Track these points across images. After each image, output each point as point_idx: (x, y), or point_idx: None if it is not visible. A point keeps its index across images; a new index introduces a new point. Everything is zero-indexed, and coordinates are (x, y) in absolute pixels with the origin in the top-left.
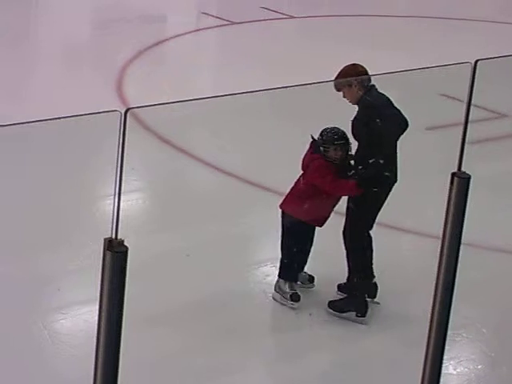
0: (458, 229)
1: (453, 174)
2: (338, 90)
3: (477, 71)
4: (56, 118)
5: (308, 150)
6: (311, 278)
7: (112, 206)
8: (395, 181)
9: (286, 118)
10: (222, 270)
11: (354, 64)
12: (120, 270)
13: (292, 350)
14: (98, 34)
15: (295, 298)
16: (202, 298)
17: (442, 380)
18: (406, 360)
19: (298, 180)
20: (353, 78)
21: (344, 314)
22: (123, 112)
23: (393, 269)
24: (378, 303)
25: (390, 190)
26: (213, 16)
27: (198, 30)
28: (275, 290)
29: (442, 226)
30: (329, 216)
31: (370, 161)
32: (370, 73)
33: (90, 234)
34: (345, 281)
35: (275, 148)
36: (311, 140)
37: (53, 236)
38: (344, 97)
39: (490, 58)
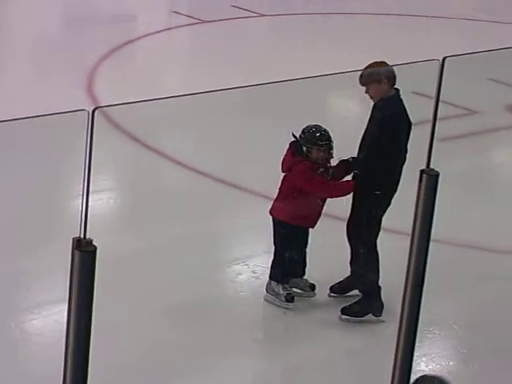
0: (427, 226)
1: (421, 172)
2: (364, 85)
3: (446, 68)
4: (24, 118)
5: (287, 151)
6: (312, 286)
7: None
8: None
9: (258, 116)
10: (193, 268)
11: (382, 62)
12: (88, 269)
13: (265, 348)
14: (68, 34)
15: (290, 298)
16: (172, 298)
17: (413, 377)
18: (379, 357)
19: (282, 184)
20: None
21: (363, 318)
22: (91, 111)
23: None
24: (384, 321)
25: (395, 192)
26: (183, 15)
27: (168, 29)
28: (267, 291)
29: (412, 223)
30: (319, 216)
31: (382, 164)
32: (339, 70)
33: (59, 234)
34: (337, 281)
35: (246, 146)
36: (291, 140)
37: (22, 236)
38: (366, 92)
39: (458, 55)
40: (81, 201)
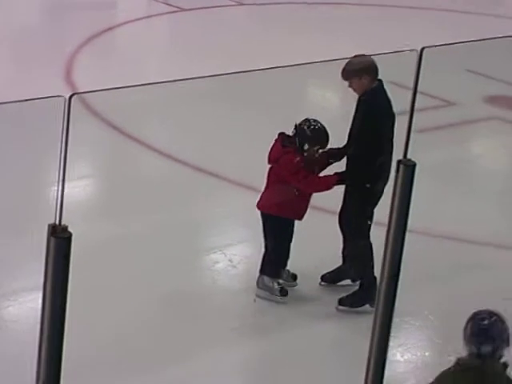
0: (404, 216)
1: (398, 162)
2: (346, 80)
3: (424, 59)
4: (2, 103)
5: (276, 142)
6: (294, 276)
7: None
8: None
9: (236, 104)
10: (170, 257)
11: (363, 55)
12: (64, 255)
13: (241, 337)
14: (47, 20)
15: (284, 292)
16: (148, 286)
17: (389, 367)
18: (356, 347)
19: (269, 176)
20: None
21: (359, 309)
22: (67, 97)
23: (331, 253)
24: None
25: (387, 181)
26: (163, 3)
27: (148, 17)
28: (258, 286)
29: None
30: (307, 208)
31: (371, 158)
32: (319, 59)
33: (36, 221)
34: (329, 271)
35: (224, 135)
36: (280, 131)
37: None
38: (350, 86)
39: (437, 46)
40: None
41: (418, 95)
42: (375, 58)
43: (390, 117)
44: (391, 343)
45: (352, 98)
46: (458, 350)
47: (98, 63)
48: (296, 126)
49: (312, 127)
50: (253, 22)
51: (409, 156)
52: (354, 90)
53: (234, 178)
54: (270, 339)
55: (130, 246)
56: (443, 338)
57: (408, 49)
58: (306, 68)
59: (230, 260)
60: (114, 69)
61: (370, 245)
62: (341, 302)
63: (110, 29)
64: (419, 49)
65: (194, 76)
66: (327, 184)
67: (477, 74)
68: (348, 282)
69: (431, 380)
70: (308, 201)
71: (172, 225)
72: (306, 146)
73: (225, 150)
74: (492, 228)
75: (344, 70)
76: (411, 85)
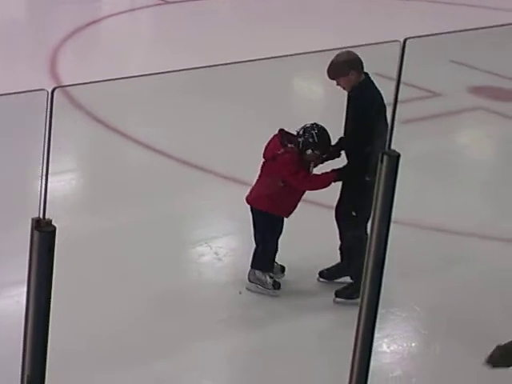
0: (388, 206)
1: (382, 153)
2: (332, 79)
3: (408, 50)
4: None
5: (274, 139)
6: (282, 268)
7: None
8: None
9: (220, 97)
10: (156, 250)
11: (347, 51)
12: (48, 249)
13: (229, 329)
14: (31, 14)
15: (276, 285)
16: (134, 279)
17: (375, 358)
18: (345, 339)
19: (262, 171)
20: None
21: (354, 300)
22: (50, 91)
23: (327, 248)
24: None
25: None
26: None
27: (132, 10)
28: (250, 280)
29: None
30: (296, 205)
31: (366, 149)
32: (303, 51)
33: (21, 215)
34: (327, 267)
35: (210, 127)
36: (280, 128)
37: None
38: (338, 85)
39: (420, 37)
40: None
41: (402, 86)
42: (360, 50)
43: (382, 108)
44: (377, 334)
45: (337, 88)
46: (444, 340)
47: (83, 56)
48: (304, 128)
49: (319, 134)
50: (237, 14)
51: (394, 147)
52: (343, 87)
53: (219, 171)
54: (258, 332)
55: (116, 239)
56: (429, 329)
57: (391, 40)
58: (291, 60)
59: (215, 253)
60: (98, 62)
61: (366, 238)
62: (337, 294)
63: (94, 22)
64: (402, 40)
65: (177, 68)
66: (326, 182)
67: (461, 64)
68: (347, 278)
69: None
70: (299, 199)
71: (157, 218)
72: (310, 151)
73: (210, 142)
74: (477, 219)
75: (329, 69)
76: (395, 76)
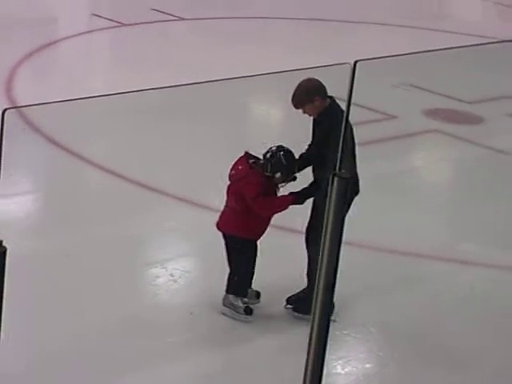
0: (338, 228)
1: (333, 175)
2: (298, 108)
3: (364, 73)
4: None
5: (240, 160)
6: (258, 294)
7: None
8: (358, 191)
9: (176, 118)
10: (111, 271)
11: (309, 79)
12: None
13: (180, 351)
14: None
15: (248, 311)
16: (88, 301)
17: (330, 380)
18: (292, 361)
19: (228, 194)
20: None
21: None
22: (0, 112)
23: (283, 268)
24: (334, 321)
25: (352, 200)
26: (104, 18)
27: (89, 32)
28: (224, 304)
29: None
30: (267, 228)
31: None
32: (258, 72)
33: None
34: (293, 293)
35: (165, 149)
36: (245, 151)
37: None
38: (304, 112)
39: (370, 59)
40: None
41: (358, 109)
42: (315, 73)
43: (350, 130)
44: (332, 356)
45: (292, 110)
46: (399, 361)
47: (39, 78)
48: (272, 152)
49: (287, 157)
50: (194, 36)
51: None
52: (309, 114)
53: (174, 193)
54: (212, 353)
55: (70, 261)
56: (384, 350)
57: (342, 62)
58: (245, 81)
59: (171, 274)
60: (55, 84)
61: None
62: (295, 308)
63: (51, 44)
64: (352, 62)
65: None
66: (283, 205)
67: (416, 87)
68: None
69: None
70: (268, 221)
71: (113, 240)
72: (279, 175)
73: (166, 164)
74: (433, 240)
75: (293, 98)
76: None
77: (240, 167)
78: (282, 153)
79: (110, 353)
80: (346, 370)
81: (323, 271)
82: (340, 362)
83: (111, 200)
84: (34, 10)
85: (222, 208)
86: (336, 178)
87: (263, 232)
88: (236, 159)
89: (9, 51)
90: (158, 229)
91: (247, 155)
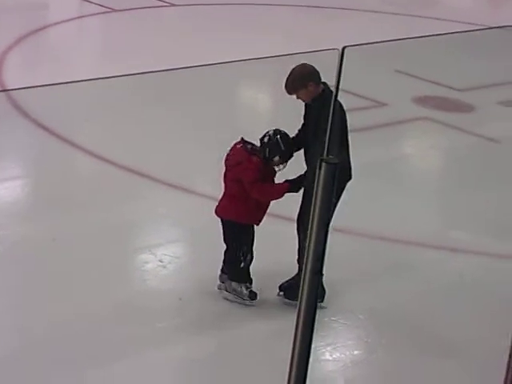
0: (326, 213)
1: (321, 160)
2: (291, 94)
3: (355, 60)
4: None
5: (236, 146)
6: (250, 280)
7: None
8: (350, 177)
9: (169, 103)
10: (100, 257)
11: (303, 64)
12: None
13: (169, 336)
14: None
15: (253, 296)
16: (78, 287)
17: (318, 366)
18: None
19: (226, 182)
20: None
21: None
22: None
23: (275, 255)
24: (324, 307)
25: (344, 187)
26: (94, 3)
27: (80, 17)
28: (227, 290)
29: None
30: (265, 213)
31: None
32: (248, 58)
33: None
34: (286, 279)
35: (155, 134)
36: (241, 137)
37: None
38: (298, 98)
39: (358, 45)
40: None
41: (348, 96)
42: (304, 58)
43: (344, 115)
44: (320, 342)
45: (283, 94)
46: (387, 347)
47: (29, 64)
48: (269, 136)
49: (284, 140)
50: (184, 22)
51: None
52: (303, 100)
53: (163, 178)
54: (203, 338)
55: (59, 246)
56: (372, 337)
57: (330, 48)
58: (236, 66)
59: (160, 260)
60: (45, 69)
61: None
62: (285, 294)
63: (41, 29)
64: (341, 48)
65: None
66: (279, 192)
67: (406, 74)
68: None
69: None
70: (267, 206)
71: (102, 225)
72: (277, 158)
73: (155, 149)
74: (423, 228)
75: (287, 84)
76: (341, 84)
77: (237, 153)
78: (279, 136)
79: (99, 338)
80: (334, 356)
81: (310, 256)
82: (328, 348)
83: (101, 185)
84: None
85: (211, 194)
86: (324, 163)
87: (262, 217)
88: (232, 145)
89: None
90: (147, 215)
91: (243, 141)
